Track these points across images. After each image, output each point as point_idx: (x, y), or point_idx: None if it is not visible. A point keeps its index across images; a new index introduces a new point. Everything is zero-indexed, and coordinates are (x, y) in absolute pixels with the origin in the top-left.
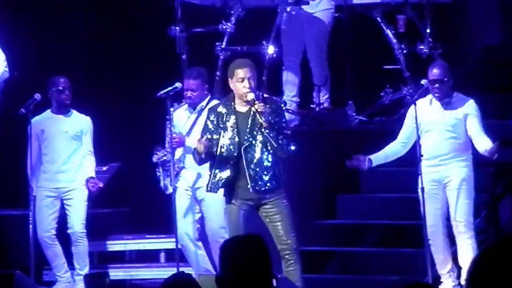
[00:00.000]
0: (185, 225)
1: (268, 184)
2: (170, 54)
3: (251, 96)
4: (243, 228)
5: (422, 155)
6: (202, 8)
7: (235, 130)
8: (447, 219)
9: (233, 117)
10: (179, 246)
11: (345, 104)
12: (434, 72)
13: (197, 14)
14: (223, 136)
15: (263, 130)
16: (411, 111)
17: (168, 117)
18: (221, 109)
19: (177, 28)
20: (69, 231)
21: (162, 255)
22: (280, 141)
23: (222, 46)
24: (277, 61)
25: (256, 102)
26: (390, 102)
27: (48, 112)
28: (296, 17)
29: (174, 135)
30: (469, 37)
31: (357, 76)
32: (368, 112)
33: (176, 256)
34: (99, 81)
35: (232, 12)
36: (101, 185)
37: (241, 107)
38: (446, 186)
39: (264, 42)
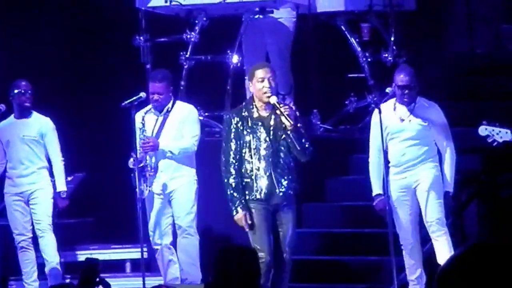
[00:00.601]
0: (159, 230)
1: (288, 189)
2: (134, 63)
3: (274, 99)
4: (266, 231)
5: (389, 162)
6: (166, 17)
7: (257, 135)
8: (420, 223)
9: (255, 122)
10: (145, 255)
11: (310, 113)
12: (402, 77)
13: (161, 23)
14: (249, 141)
15: (288, 133)
16: (374, 118)
17: (140, 121)
18: (245, 113)
19: (141, 38)
20: (36, 226)
21: (128, 264)
22: (302, 144)
23: (187, 56)
24: (241, 70)
25: (281, 104)
26: (355, 110)
27: (11, 118)
28: (257, 26)
29: (146, 139)
30: (434, 45)
31: (321, 84)
32: (333, 120)
33: (142, 265)
34: (63, 90)
35: (196, 21)
36: (66, 203)
37: (262, 111)
38: (416, 190)
39: (228, 51)
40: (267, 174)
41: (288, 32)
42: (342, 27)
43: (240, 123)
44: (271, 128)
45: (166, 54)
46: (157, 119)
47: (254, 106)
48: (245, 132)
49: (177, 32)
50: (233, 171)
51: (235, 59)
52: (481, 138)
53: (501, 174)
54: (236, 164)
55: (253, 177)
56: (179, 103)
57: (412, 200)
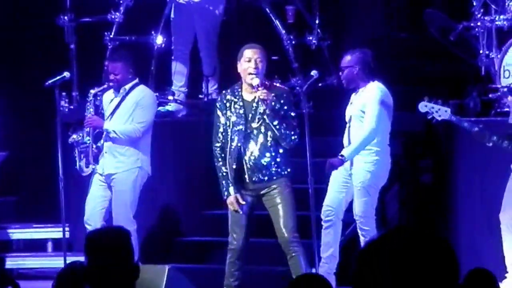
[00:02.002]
0: (93, 211)
1: (266, 176)
2: (59, 44)
3: (256, 81)
4: (246, 219)
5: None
6: None
7: (242, 118)
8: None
9: (240, 104)
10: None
11: None
12: (343, 59)
13: (86, 3)
14: (233, 124)
15: (265, 117)
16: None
17: (87, 97)
18: (229, 96)
19: (66, 17)
20: None
21: (50, 244)
22: (283, 130)
23: (111, 36)
24: (166, 51)
25: (260, 88)
26: None
27: None
28: (186, 7)
29: (91, 116)
30: (357, 28)
31: None
32: None
33: (63, 245)
34: None
35: (121, 2)
36: None
37: (247, 94)
38: (351, 177)
39: (153, 32)
40: (245, 161)
41: (216, 14)
42: (267, 9)
43: (229, 104)
44: (252, 112)
45: (90, 34)
46: (112, 99)
47: (241, 88)
48: (228, 114)
49: (101, 12)
50: (220, 154)
51: (159, 40)
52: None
53: (421, 159)
54: (224, 147)
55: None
56: (140, 87)
57: (349, 184)
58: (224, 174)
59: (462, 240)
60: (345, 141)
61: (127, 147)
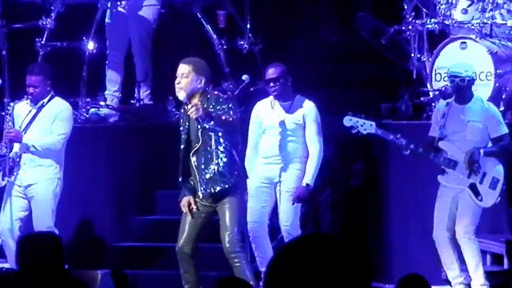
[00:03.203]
0: (9, 221)
1: (217, 188)
2: None
3: (180, 95)
4: (191, 224)
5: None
6: (22, 3)
7: (185, 135)
8: (271, 218)
9: (185, 118)
10: None
11: (166, 100)
12: (269, 71)
13: (17, 9)
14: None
15: (206, 126)
16: (253, 112)
17: (6, 111)
18: (183, 109)
19: None
20: None
21: None
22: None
23: (42, 42)
24: (98, 56)
25: (188, 107)
26: None
27: None
28: (121, 12)
29: (11, 129)
30: (291, 33)
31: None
32: None
33: None
34: None
35: (53, 8)
36: None
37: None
38: (276, 187)
39: (84, 38)
40: (196, 175)
41: (151, 19)
42: (198, 14)
43: (183, 116)
44: (196, 127)
45: (22, 40)
46: (30, 111)
47: (186, 104)
48: (181, 129)
49: (33, 18)
50: (182, 160)
51: (90, 45)
52: (344, 128)
53: (353, 162)
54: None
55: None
56: (56, 100)
57: (270, 194)
58: (181, 178)
59: (394, 243)
60: (267, 149)
61: (44, 157)
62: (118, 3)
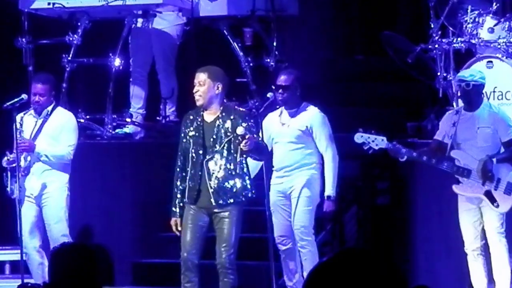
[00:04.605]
0: (28, 234)
1: (222, 199)
2: (16, 65)
3: (199, 102)
4: (192, 235)
5: (273, 166)
6: (49, 20)
7: (200, 140)
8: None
9: (200, 125)
10: (25, 257)
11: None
12: (281, 78)
13: (44, 25)
14: (191, 145)
15: (231, 139)
16: (263, 124)
17: (19, 122)
18: (192, 116)
19: (24, 39)
20: None
21: (7, 266)
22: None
23: (69, 58)
24: (124, 73)
25: (242, 142)
26: None
27: None
28: (144, 29)
29: (24, 140)
30: (312, 50)
31: None
32: None
33: (21, 267)
34: None
35: (79, 24)
36: None
37: (207, 116)
38: (290, 196)
39: (110, 54)
40: (207, 182)
41: (175, 36)
42: (225, 31)
43: (187, 125)
44: (214, 136)
45: (48, 56)
46: (36, 122)
47: (202, 111)
48: (190, 134)
49: (59, 35)
50: (178, 174)
51: (117, 62)
52: (357, 145)
53: (379, 180)
54: (182, 168)
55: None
56: (59, 109)
57: (289, 205)
58: (179, 194)
59: (419, 261)
60: (278, 161)
61: (53, 167)
62: (143, 20)
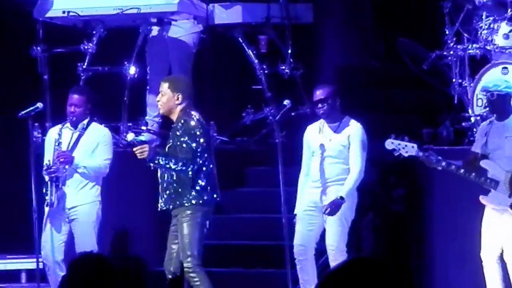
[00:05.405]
0: (51, 245)
1: (167, 203)
2: (32, 74)
3: (161, 112)
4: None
5: (310, 176)
6: (64, 28)
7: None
8: (318, 242)
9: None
10: (41, 266)
11: (207, 124)
12: (317, 93)
13: (59, 34)
14: None
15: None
16: (304, 136)
17: (57, 133)
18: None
19: (39, 48)
20: None
21: (23, 275)
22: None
23: (84, 67)
24: (139, 81)
25: (134, 148)
26: (252, 123)
27: None
28: (161, 37)
29: (62, 152)
30: (329, 57)
31: (219, 96)
32: (229, 132)
33: (37, 276)
34: None
35: (94, 32)
36: None
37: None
38: (322, 209)
39: (125, 63)
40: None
41: (191, 44)
42: (240, 39)
43: None
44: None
45: (63, 64)
46: (72, 135)
47: None
48: None
49: (74, 43)
50: None
51: (132, 70)
52: (387, 152)
53: (395, 188)
54: None
55: None
56: (94, 124)
57: (317, 217)
58: None
59: (435, 269)
60: (314, 171)
61: (87, 180)
62: (159, 28)
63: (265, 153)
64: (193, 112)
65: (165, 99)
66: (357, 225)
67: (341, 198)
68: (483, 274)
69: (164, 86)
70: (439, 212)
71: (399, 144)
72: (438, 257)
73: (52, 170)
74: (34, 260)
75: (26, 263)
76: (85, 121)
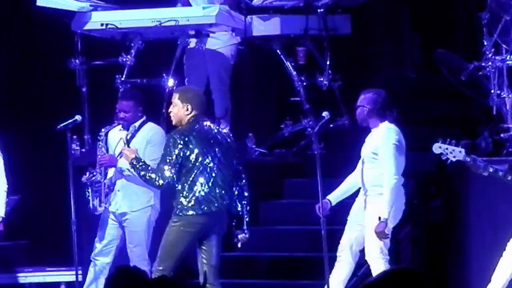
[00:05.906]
0: (103, 249)
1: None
2: (70, 86)
3: (173, 122)
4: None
5: None
6: (102, 40)
7: None
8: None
9: None
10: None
11: (245, 136)
12: (360, 98)
13: (97, 46)
14: None
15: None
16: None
17: (99, 137)
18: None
19: (77, 60)
20: None
21: (63, 287)
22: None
23: (122, 79)
24: None
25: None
26: (290, 135)
27: None
28: (199, 49)
29: (104, 155)
30: (368, 69)
31: (257, 108)
32: (268, 144)
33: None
34: None
35: (132, 44)
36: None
37: None
38: (365, 215)
39: (164, 75)
40: None
41: (229, 56)
42: (278, 51)
43: None
44: None
45: (101, 77)
46: (121, 137)
47: None
48: None
49: (112, 55)
50: None
51: (170, 82)
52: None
53: (433, 199)
54: None
55: None
56: (149, 124)
57: (363, 221)
58: None
59: (474, 280)
60: (358, 180)
61: (139, 184)
62: (197, 40)
63: (304, 165)
64: (206, 122)
65: (176, 110)
66: (395, 236)
67: (381, 219)
68: None
69: (175, 97)
70: (477, 222)
71: (446, 148)
72: (477, 268)
73: (91, 174)
74: (73, 272)
75: (65, 276)
76: (137, 123)
